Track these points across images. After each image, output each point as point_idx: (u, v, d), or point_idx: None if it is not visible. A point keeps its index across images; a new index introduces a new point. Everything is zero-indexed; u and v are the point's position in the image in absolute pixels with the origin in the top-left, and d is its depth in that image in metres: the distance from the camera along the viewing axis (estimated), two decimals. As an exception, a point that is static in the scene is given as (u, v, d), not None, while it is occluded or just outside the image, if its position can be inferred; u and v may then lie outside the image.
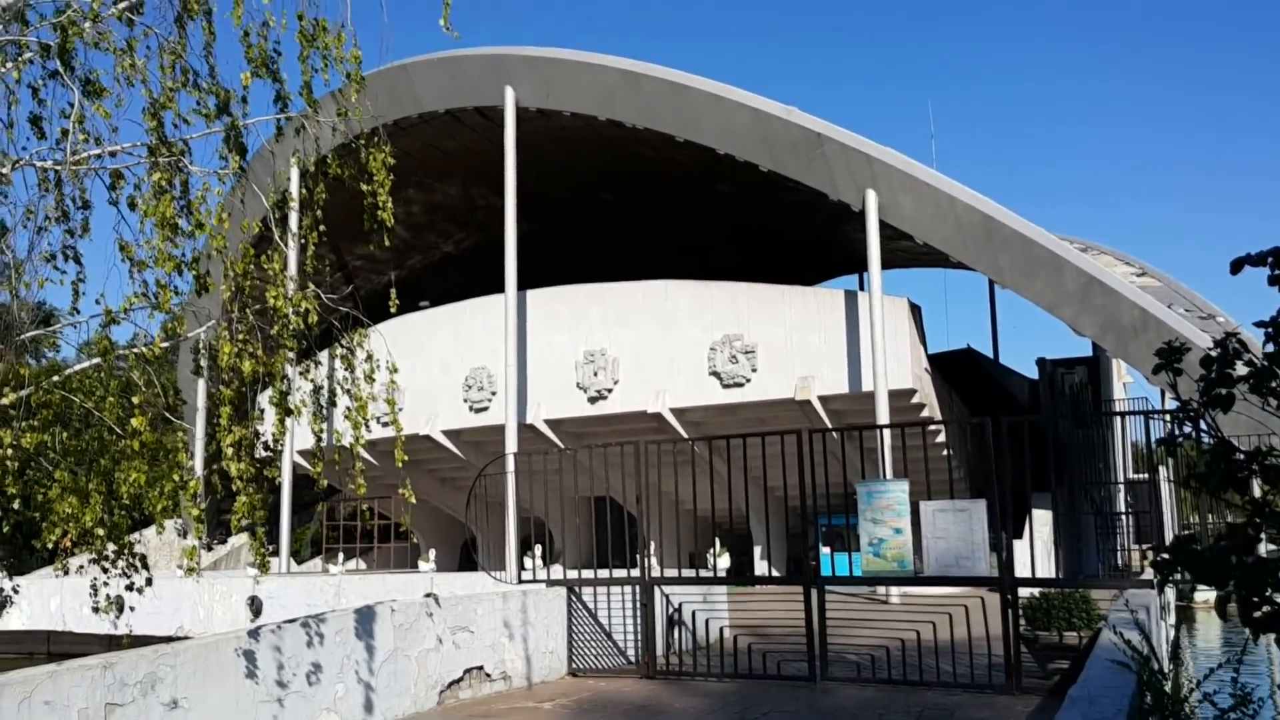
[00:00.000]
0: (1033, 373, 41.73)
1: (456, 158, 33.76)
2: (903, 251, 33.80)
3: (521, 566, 16.36)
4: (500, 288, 28.93)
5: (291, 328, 7.52)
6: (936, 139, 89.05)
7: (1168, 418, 11.41)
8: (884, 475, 21.08)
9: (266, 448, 8.17)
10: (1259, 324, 3.72)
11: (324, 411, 8.38)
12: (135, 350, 7.47)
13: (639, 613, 12.94)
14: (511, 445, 26.99)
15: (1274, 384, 3.59)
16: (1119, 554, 28.20)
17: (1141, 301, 24.08)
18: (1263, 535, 3.60)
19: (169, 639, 10.26)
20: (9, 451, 7.16)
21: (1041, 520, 24.80)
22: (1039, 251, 24.05)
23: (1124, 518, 30.59)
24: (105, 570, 8.26)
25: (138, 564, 8.40)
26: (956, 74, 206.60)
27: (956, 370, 36.17)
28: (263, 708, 8.53)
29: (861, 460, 17.49)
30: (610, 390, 28.66)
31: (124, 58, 7.51)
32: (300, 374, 8.18)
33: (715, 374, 27.17)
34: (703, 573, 19.52)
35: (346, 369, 8.36)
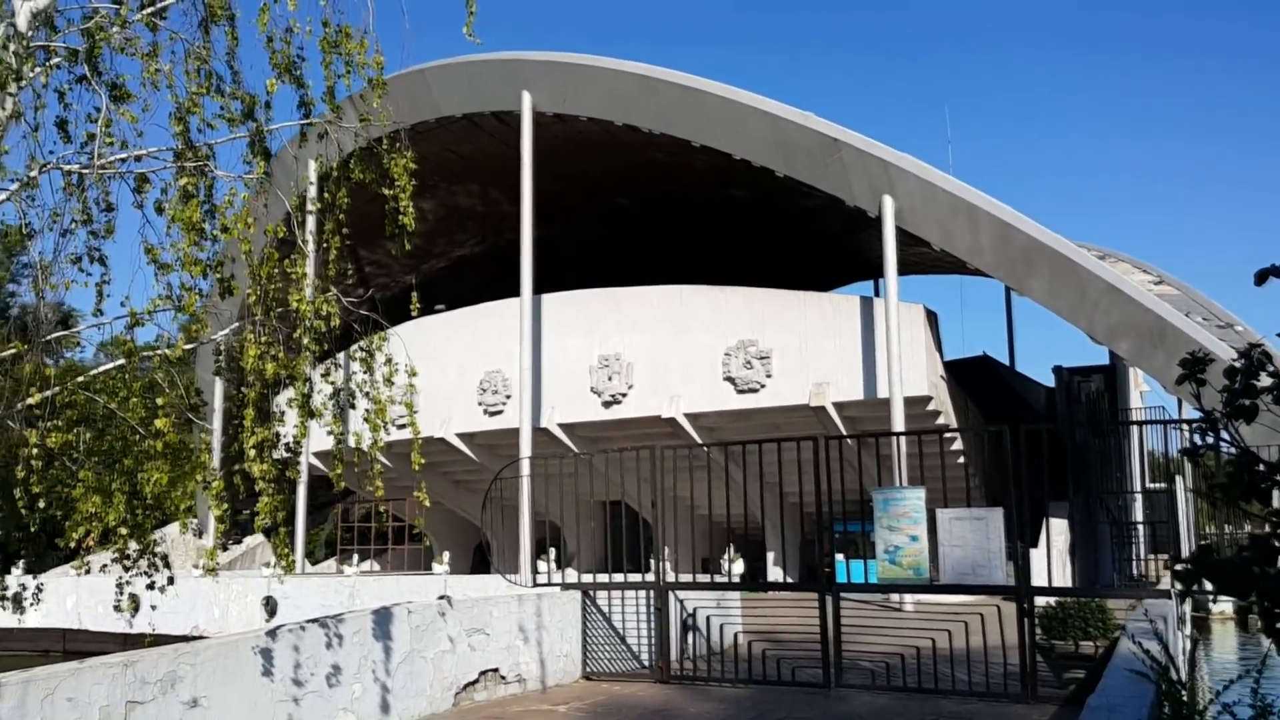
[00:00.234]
0: (1049, 381, 41.63)
1: (473, 162, 33.88)
2: (919, 258, 33.75)
3: (535, 570, 16.38)
4: (515, 291, 29.01)
5: (313, 331, 7.58)
6: (954, 145, 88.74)
7: (1187, 427, 11.40)
8: (898, 483, 21.11)
9: (287, 449, 8.23)
10: (1282, 335, 3.72)
11: (343, 414, 8.44)
12: (160, 352, 7.53)
13: (653, 617, 12.95)
14: (526, 449, 27.06)
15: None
16: (1134, 564, 28.06)
17: (1159, 310, 23.99)
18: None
19: (184, 638, 10.36)
20: (34, 451, 7.24)
21: (1057, 529, 24.74)
22: (1057, 259, 23.99)
23: (1139, 527, 30.44)
24: (127, 569, 8.33)
25: (159, 563, 8.48)
26: (974, 81, 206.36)
27: (972, 378, 36.09)
28: (280, 707, 8.59)
29: (878, 467, 17.46)
30: (624, 395, 28.70)
31: (150, 62, 7.58)
32: (321, 376, 8.23)
33: (730, 379, 27.18)
34: (717, 578, 19.53)
35: (366, 371, 8.42)
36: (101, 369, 8.12)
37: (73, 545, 7.86)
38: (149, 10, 7.85)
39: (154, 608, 8.39)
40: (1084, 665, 11.94)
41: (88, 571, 8.22)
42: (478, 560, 38.68)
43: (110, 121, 7.51)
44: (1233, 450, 3.81)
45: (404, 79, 29.36)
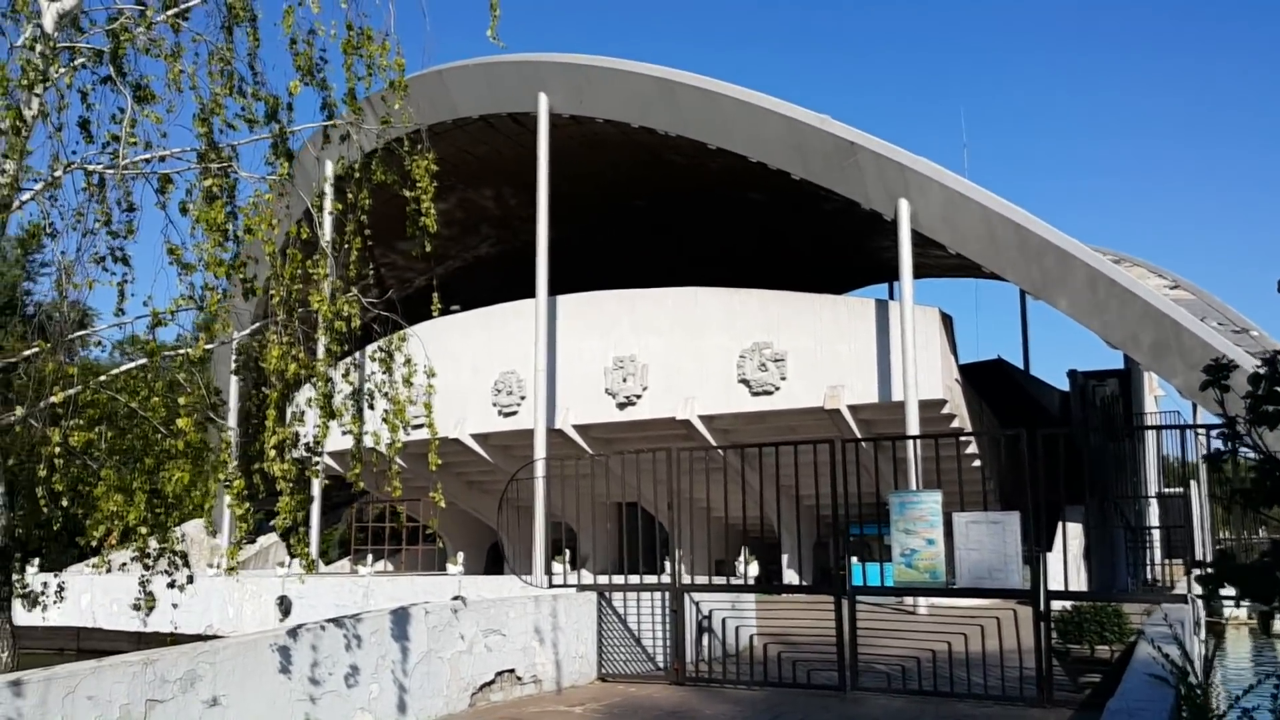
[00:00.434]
0: (1063, 384, 41.50)
1: (489, 163, 33.96)
2: (934, 261, 33.70)
3: (549, 571, 16.43)
4: (530, 292, 29.05)
5: (335, 332, 7.63)
6: (969, 147, 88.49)
7: (1203, 432, 11.37)
8: (913, 486, 21.08)
9: (308, 449, 8.29)
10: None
11: (361, 414, 8.49)
12: (181, 352, 7.59)
13: (669, 619, 12.97)
14: (540, 450, 27.10)
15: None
16: (1149, 569, 27.97)
17: (1175, 314, 23.91)
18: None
19: (198, 637, 10.44)
20: (57, 449, 7.30)
21: (1072, 533, 24.63)
22: (1073, 263, 23.93)
23: (1154, 532, 30.34)
24: (147, 568, 8.40)
25: (179, 561, 8.55)
26: (990, 81, 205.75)
27: (987, 381, 36.00)
28: (298, 706, 8.63)
29: (895, 471, 17.44)
30: (639, 396, 28.72)
31: (174, 64, 7.64)
32: (342, 377, 8.28)
33: (744, 381, 27.17)
34: (731, 580, 19.52)
35: (385, 372, 8.46)
36: (123, 368, 8.19)
37: (94, 544, 7.93)
38: (172, 11, 7.91)
39: (175, 606, 8.45)
40: (1100, 669, 11.91)
41: (109, 570, 8.27)
42: (491, 561, 38.75)
43: (134, 122, 7.58)
44: (1256, 456, 3.81)
45: (421, 80, 29.46)
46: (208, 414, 7.67)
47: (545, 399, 28.09)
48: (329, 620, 9.30)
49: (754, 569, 23.43)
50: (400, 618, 9.94)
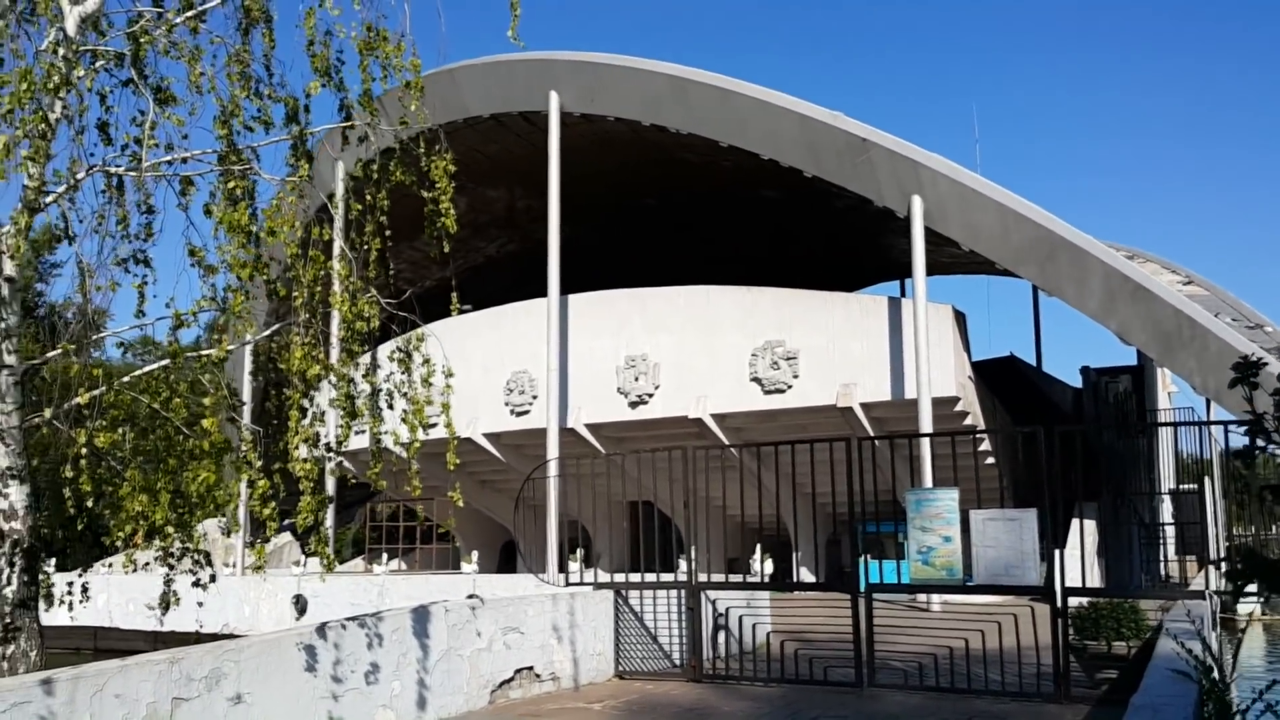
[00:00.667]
0: (1076, 381, 41.42)
1: (500, 162, 34.02)
2: (947, 258, 33.67)
3: (564, 570, 16.49)
4: (541, 292, 29.12)
5: (356, 332, 7.69)
6: (981, 143, 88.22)
7: (1222, 429, 11.36)
8: (927, 483, 21.08)
9: (328, 449, 8.35)
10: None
11: (381, 414, 8.54)
12: (204, 353, 7.65)
13: (686, 617, 13.01)
14: (553, 449, 27.18)
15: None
16: (1164, 565, 27.90)
17: (1189, 310, 23.87)
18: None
19: (215, 636, 10.53)
20: (83, 450, 7.37)
21: (1086, 530, 24.60)
22: (1087, 259, 23.90)
23: (1168, 528, 30.26)
24: (171, 567, 8.46)
25: (202, 560, 8.61)
26: (1002, 78, 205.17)
27: (999, 378, 35.96)
28: (321, 704, 8.69)
29: (911, 469, 17.45)
30: (651, 395, 28.78)
31: (195, 65, 7.70)
32: (362, 377, 8.33)
33: (756, 380, 27.21)
34: (747, 578, 19.55)
35: (404, 372, 8.51)
36: (145, 369, 8.25)
37: (118, 544, 8.00)
38: (191, 13, 7.97)
39: (200, 605, 8.51)
40: (1116, 665, 11.92)
41: (135, 569, 8.33)
42: (504, 560, 38.85)
43: (155, 124, 7.64)
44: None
45: (432, 79, 29.33)
46: (230, 414, 7.72)
47: (558, 398, 28.16)
48: (351, 619, 9.35)
49: (768, 567, 23.44)
50: (420, 616, 9.99)
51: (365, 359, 8.40)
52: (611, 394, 29.23)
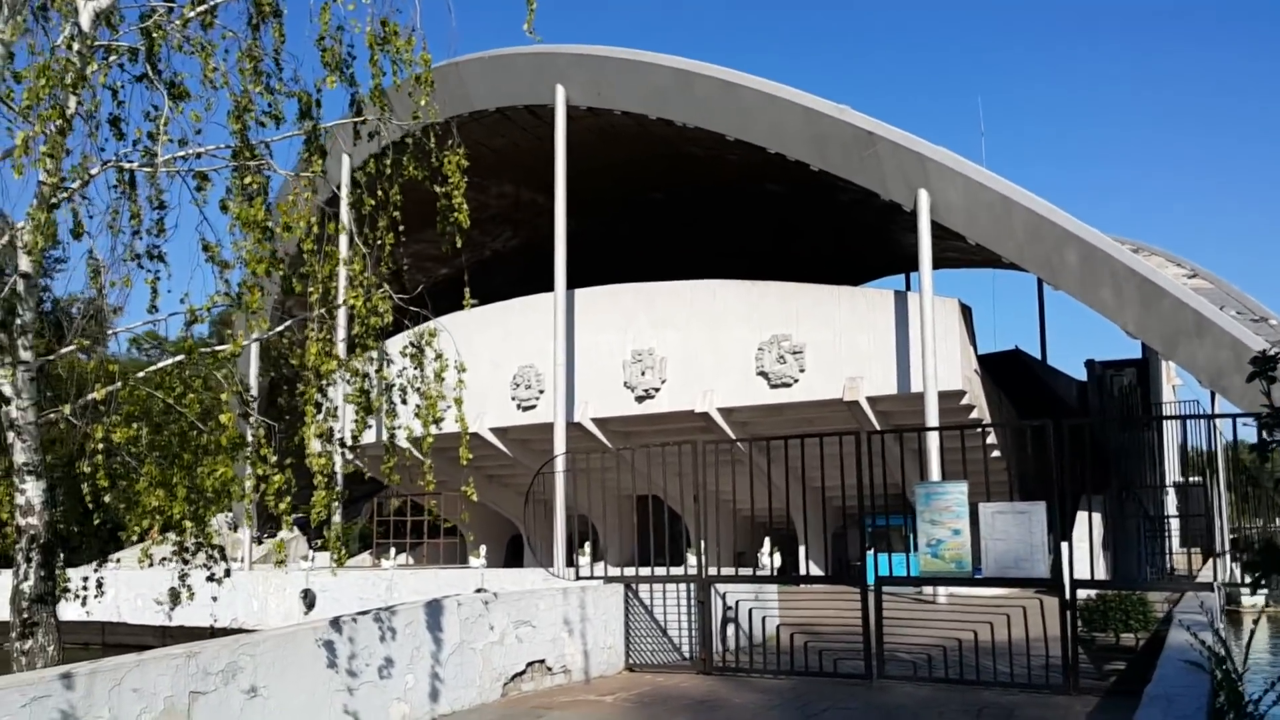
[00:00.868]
0: (1081, 374, 41.43)
1: (506, 156, 34.04)
2: (952, 251, 33.68)
3: (574, 564, 16.53)
4: (546, 287, 29.15)
5: (371, 328, 7.72)
6: (986, 138, 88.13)
7: (1225, 422, 11.38)
8: (930, 476, 21.11)
9: (342, 444, 8.39)
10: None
11: (395, 409, 8.57)
12: (221, 348, 7.69)
13: (696, 610, 13.06)
14: (560, 444, 27.22)
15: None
16: (1169, 557, 27.95)
17: (1194, 303, 23.88)
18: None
19: (225, 631, 10.59)
20: (100, 446, 7.42)
21: (1087, 523, 24.65)
22: (1092, 252, 23.91)
23: (1172, 521, 30.31)
24: (186, 561, 8.51)
25: (216, 555, 8.66)
26: (1005, 73, 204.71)
27: (1005, 372, 35.97)
28: (336, 697, 8.74)
29: (920, 462, 17.49)
30: (657, 389, 28.82)
31: (207, 60, 7.72)
32: (376, 372, 8.37)
33: (763, 374, 27.23)
34: (751, 571, 19.60)
35: (416, 367, 8.54)
36: (159, 365, 8.29)
37: (134, 538, 8.05)
38: (202, 8, 7.99)
39: (215, 599, 8.56)
40: (1124, 657, 11.97)
41: (151, 563, 8.39)
42: (510, 554, 38.94)
43: (169, 120, 7.67)
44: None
45: (437, 73, 29.25)
46: (246, 410, 7.77)
47: (564, 393, 28.21)
48: (364, 612, 9.40)
49: (777, 560, 23.54)
50: (433, 610, 10.04)
51: (377, 353, 8.44)
52: (618, 388, 29.27)
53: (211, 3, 8.15)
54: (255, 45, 8.04)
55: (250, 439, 8.09)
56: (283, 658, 8.30)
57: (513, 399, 31.02)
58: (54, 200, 6.83)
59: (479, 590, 13.73)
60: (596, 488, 15.82)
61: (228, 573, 8.65)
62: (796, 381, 26.78)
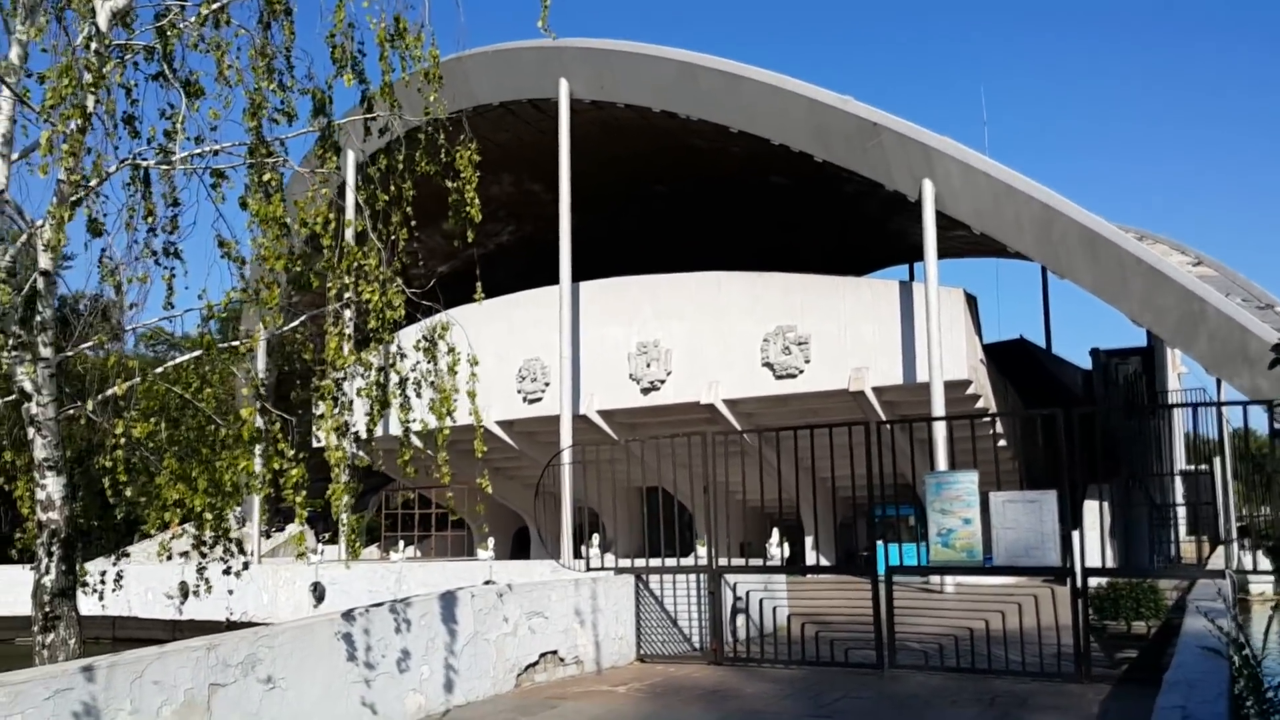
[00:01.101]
0: (1086, 363, 41.44)
1: (509, 150, 34.05)
2: (957, 241, 33.66)
3: (585, 556, 16.63)
4: (551, 280, 29.19)
5: (386, 321, 7.77)
6: (989, 127, 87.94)
7: (1233, 410, 11.42)
8: (938, 466, 21.16)
9: (357, 438, 8.43)
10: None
11: (409, 403, 8.61)
12: (239, 343, 7.73)
13: (706, 600, 13.11)
14: (566, 436, 27.29)
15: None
16: (1176, 545, 27.94)
17: (1199, 291, 23.89)
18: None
19: (235, 624, 10.65)
20: (120, 441, 7.47)
21: (1095, 511, 24.70)
22: (1098, 241, 23.93)
23: (1178, 510, 30.29)
24: (204, 555, 8.57)
25: (234, 549, 8.71)
26: (1008, 62, 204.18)
27: (1010, 361, 36.00)
28: (354, 688, 8.80)
29: (930, 452, 17.53)
30: (663, 381, 28.87)
31: (221, 57, 7.75)
32: (390, 366, 8.41)
33: (768, 365, 27.27)
34: (759, 561, 19.66)
35: (429, 361, 8.58)
36: (180, 359, 8.34)
37: (153, 532, 8.11)
38: (215, 6, 8.02)
39: (231, 592, 8.60)
40: (1135, 645, 12.02)
41: (170, 557, 8.44)
42: (517, 546, 39.03)
43: (185, 117, 7.71)
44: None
45: (442, 67, 29.48)
46: (263, 404, 7.81)
47: (570, 385, 28.26)
48: (378, 604, 9.46)
49: (785, 550, 23.58)
50: (447, 601, 10.10)
51: (392, 347, 8.48)
52: (624, 380, 29.32)
53: (222, 1, 8.18)
54: (266, 43, 8.07)
55: (268, 432, 8.14)
56: (300, 649, 8.36)
57: (518, 392, 31.08)
58: (75, 197, 6.86)
59: (487, 582, 13.81)
60: (603, 480, 15.85)
61: (246, 566, 8.71)
62: (802, 372, 26.82)
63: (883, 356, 25.78)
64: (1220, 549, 21.92)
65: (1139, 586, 12.38)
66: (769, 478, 13.60)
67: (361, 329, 8.35)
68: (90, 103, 7.24)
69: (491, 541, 31.95)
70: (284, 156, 7.82)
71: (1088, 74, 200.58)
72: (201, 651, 7.66)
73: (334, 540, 33.39)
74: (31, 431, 7.30)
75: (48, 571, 7.52)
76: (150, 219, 8.00)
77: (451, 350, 8.65)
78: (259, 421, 8.30)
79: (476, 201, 8.42)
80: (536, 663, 11.30)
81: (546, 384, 30.47)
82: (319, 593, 25.01)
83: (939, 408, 23.36)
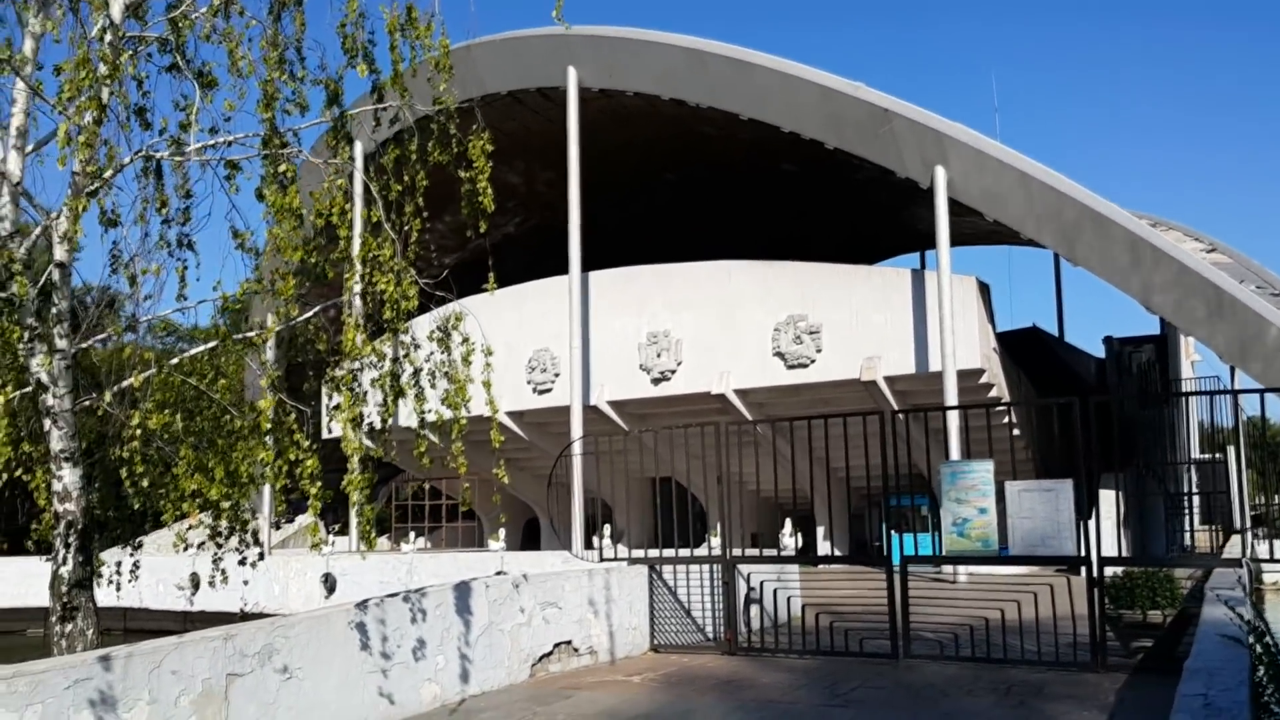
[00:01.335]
0: (1099, 351, 41.29)
1: (518, 139, 33.99)
2: (969, 228, 33.56)
3: (597, 546, 16.61)
4: (560, 270, 29.16)
5: (401, 311, 7.76)
6: (1000, 114, 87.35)
7: (1246, 399, 11.35)
8: (951, 456, 21.11)
9: (371, 429, 8.42)
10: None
11: (424, 393, 8.60)
12: (254, 334, 7.73)
13: (720, 591, 13.10)
14: (576, 427, 27.28)
15: None
16: (1190, 534, 27.89)
17: (1214, 278, 23.75)
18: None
19: (248, 616, 10.61)
20: (137, 432, 7.47)
21: (1108, 500, 24.64)
22: (1112, 228, 23.80)
23: (1193, 498, 30.23)
24: (219, 545, 8.58)
25: (250, 540, 8.72)
26: (1020, 49, 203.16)
27: (1023, 349, 35.88)
28: (370, 678, 8.81)
29: (943, 441, 17.47)
30: (673, 371, 28.84)
31: (235, 48, 7.74)
32: (404, 357, 8.40)
33: (779, 355, 27.21)
34: (772, 551, 19.63)
35: (444, 351, 8.57)
36: (195, 350, 8.34)
37: (171, 522, 8.11)
38: (226, -2, 7.99)
39: (246, 583, 8.63)
40: (1151, 634, 11.95)
41: (187, 548, 8.46)
42: (526, 537, 39.10)
43: (199, 109, 7.69)
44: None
45: (450, 56, 29.45)
46: (279, 395, 7.81)
47: (580, 375, 28.24)
48: (393, 594, 9.47)
49: (799, 541, 23.58)
50: (462, 592, 10.11)
51: (406, 338, 8.47)
52: (634, 371, 29.30)
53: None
54: (278, 33, 8.05)
55: (281, 424, 8.13)
56: (316, 639, 8.38)
57: (528, 382, 31.09)
58: (90, 189, 6.86)
59: (499, 573, 13.80)
60: (619, 470, 15.85)
61: (261, 556, 8.72)
62: (813, 362, 26.76)
63: (895, 346, 25.70)
64: (1235, 538, 21.91)
65: (1155, 576, 12.31)
66: (781, 468, 13.60)
67: (374, 319, 8.34)
68: (105, 94, 7.23)
69: (503, 532, 32.00)
70: (299, 148, 7.80)
71: (1100, 61, 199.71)
72: (219, 641, 7.68)
73: (345, 531, 33.50)
74: (48, 423, 7.31)
75: (65, 562, 7.54)
76: (163, 210, 7.99)
77: (465, 340, 8.64)
78: (288, 413, 8.32)
79: (489, 191, 8.39)
80: (551, 653, 11.31)
81: (556, 375, 30.46)
82: (330, 584, 25.07)
83: (952, 397, 23.29)
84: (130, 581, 8.70)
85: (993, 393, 25.51)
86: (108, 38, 7.13)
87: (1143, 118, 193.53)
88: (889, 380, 25.75)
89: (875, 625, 11.95)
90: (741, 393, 27.78)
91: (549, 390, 30.77)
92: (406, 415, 8.43)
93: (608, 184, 34.99)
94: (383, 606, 9.13)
